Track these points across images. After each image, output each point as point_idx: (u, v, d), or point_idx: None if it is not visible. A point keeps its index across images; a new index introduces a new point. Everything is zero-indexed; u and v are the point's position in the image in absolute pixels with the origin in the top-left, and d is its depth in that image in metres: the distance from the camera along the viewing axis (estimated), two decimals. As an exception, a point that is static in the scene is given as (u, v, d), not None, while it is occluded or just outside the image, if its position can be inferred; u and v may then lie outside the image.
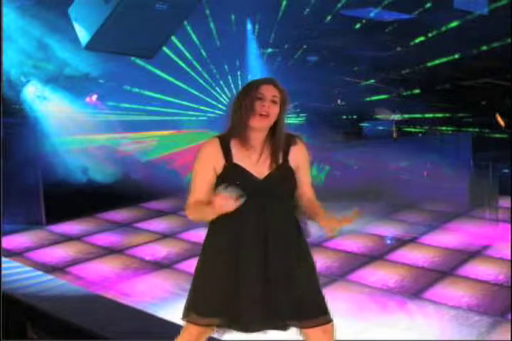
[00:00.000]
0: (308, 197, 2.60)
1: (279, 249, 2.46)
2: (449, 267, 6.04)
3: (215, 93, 10.64)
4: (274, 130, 2.52)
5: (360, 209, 2.63)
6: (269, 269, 2.44)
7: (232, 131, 2.51)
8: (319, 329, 2.48)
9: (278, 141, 2.51)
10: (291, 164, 2.53)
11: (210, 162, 2.49)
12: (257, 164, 2.49)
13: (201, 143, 2.58)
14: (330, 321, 2.51)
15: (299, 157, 2.56)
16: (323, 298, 2.54)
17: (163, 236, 7.27)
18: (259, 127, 2.48)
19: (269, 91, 2.48)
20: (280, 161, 2.51)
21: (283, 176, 2.50)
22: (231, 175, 2.46)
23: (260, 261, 2.44)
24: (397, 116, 12.45)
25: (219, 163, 2.48)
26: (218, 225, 2.49)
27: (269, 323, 2.48)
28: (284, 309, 2.45)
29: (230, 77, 10.62)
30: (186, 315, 2.54)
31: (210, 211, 2.35)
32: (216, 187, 2.45)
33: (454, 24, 9.34)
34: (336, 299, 5.22)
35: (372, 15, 9.20)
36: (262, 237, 2.45)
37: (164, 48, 6.79)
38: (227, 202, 2.27)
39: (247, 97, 2.48)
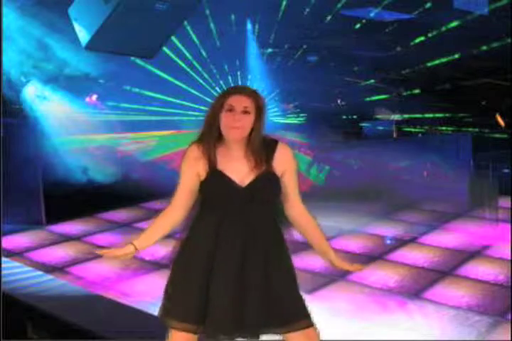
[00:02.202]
0: (300, 211, 2.56)
1: (258, 257, 2.44)
2: (449, 267, 6.04)
3: (215, 93, 10.63)
4: (249, 140, 2.47)
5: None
6: (246, 277, 2.42)
7: (209, 139, 2.48)
8: (302, 333, 2.47)
9: (255, 149, 2.46)
10: (276, 170, 2.49)
11: (194, 166, 2.48)
12: (239, 171, 2.45)
13: (186, 148, 2.55)
14: (312, 325, 2.50)
15: (283, 162, 2.51)
16: (303, 302, 2.53)
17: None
18: (233, 139, 2.45)
19: (239, 103, 2.42)
20: (263, 168, 2.46)
21: (266, 183, 2.46)
22: (213, 182, 2.45)
23: (237, 268, 2.42)
24: (397, 116, 12.45)
25: (203, 168, 2.46)
26: (197, 230, 2.49)
27: (244, 331, 2.45)
28: (262, 316, 2.43)
29: (230, 77, 10.63)
30: (162, 319, 2.60)
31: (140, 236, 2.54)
32: (200, 191, 2.47)
33: (454, 24, 9.35)
34: (336, 299, 5.24)
35: (372, 15, 9.21)
36: (241, 243, 2.43)
37: (164, 48, 6.79)
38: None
39: (217, 108, 2.45)
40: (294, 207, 2.55)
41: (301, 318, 2.49)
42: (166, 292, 2.61)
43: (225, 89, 2.55)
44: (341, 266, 2.59)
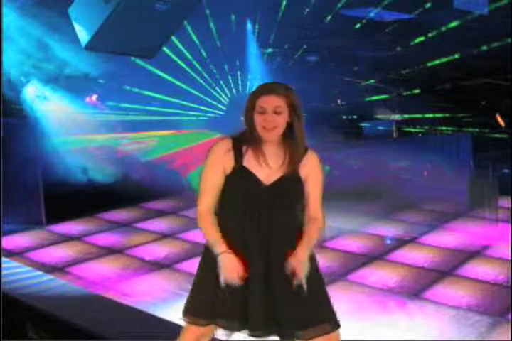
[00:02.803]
0: (309, 214, 2.56)
1: (281, 257, 2.43)
2: (449, 267, 6.03)
3: (215, 93, 10.65)
4: (289, 137, 2.47)
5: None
6: (272, 278, 2.42)
7: (245, 137, 2.49)
8: (323, 338, 2.47)
9: (296, 149, 2.47)
10: (301, 174, 2.50)
11: (220, 162, 2.47)
12: (266, 170, 2.46)
13: (215, 140, 2.54)
14: (332, 331, 2.50)
15: (308, 168, 2.52)
16: (328, 305, 2.54)
17: (163, 236, 7.26)
18: (267, 139, 2.46)
19: (269, 103, 2.42)
20: (291, 169, 2.47)
21: (290, 185, 2.47)
22: (238, 178, 2.45)
23: (264, 267, 2.42)
24: (397, 116, 12.45)
25: (229, 163, 2.46)
26: (222, 228, 2.48)
27: (271, 331, 2.47)
28: (286, 317, 2.44)
29: (230, 77, 10.64)
30: (184, 314, 2.53)
31: (216, 250, 2.40)
32: (224, 187, 2.45)
33: (454, 24, 9.35)
34: (336, 299, 5.23)
35: (372, 15, 9.21)
36: (266, 245, 2.43)
37: (164, 48, 6.79)
38: (233, 275, 2.33)
39: (249, 111, 2.46)
40: (310, 210, 2.56)
41: (323, 322, 2.49)
42: (194, 290, 2.56)
43: (256, 88, 2.52)
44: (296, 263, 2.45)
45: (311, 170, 2.53)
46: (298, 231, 2.52)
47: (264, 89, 2.47)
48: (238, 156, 2.46)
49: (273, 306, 2.43)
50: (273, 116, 2.41)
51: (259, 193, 2.43)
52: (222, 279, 2.36)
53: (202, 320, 2.49)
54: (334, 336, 2.51)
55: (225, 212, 2.49)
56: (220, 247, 2.41)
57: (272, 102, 2.42)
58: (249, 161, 2.46)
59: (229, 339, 2.59)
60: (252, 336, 2.50)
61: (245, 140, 2.48)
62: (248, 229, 2.43)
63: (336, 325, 2.52)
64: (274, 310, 2.43)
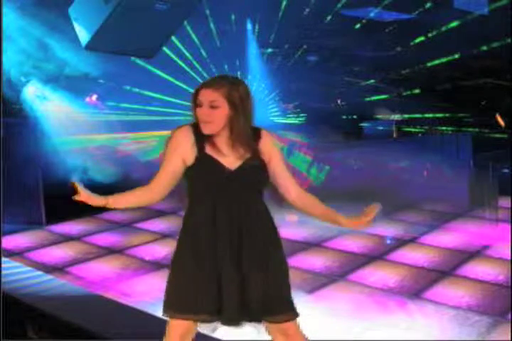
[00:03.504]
0: (296, 194, 2.55)
1: (253, 242, 2.44)
2: (449, 267, 6.03)
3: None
4: (231, 131, 2.45)
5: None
6: (244, 263, 2.43)
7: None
8: (280, 326, 2.48)
9: (239, 141, 2.45)
10: (263, 155, 2.49)
11: (180, 150, 2.45)
12: (227, 157, 2.45)
13: (175, 128, 2.52)
14: (297, 316, 2.52)
15: (268, 149, 2.51)
16: (290, 293, 2.54)
17: (163, 236, 7.26)
18: (205, 132, 2.44)
19: (205, 97, 2.40)
20: (249, 155, 2.46)
21: (254, 168, 2.46)
22: (203, 166, 2.44)
23: (234, 255, 2.42)
24: (397, 116, 12.45)
25: (190, 152, 2.45)
26: (192, 221, 2.50)
27: (244, 316, 2.47)
28: (257, 304, 2.44)
29: (229, 77, 10.62)
30: (165, 310, 2.54)
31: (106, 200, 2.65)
32: (188, 176, 2.46)
33: (454, 24, 9.35)
34: (336, 299, 5.24)
35: (372, 15, 9.21)
36: (237, 230, 2.43)
37: (164, 48, 6.79)
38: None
39: (192, 103, 2.46)
40: (290, 190, 2.55)
41: (285, 310, 2.49)
42: (169, 284, 2.57)
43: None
44: (357, 224, 2.72)
45: (271, 150, 2.52)
46: (267, 214, 2.52)
47: (204, 83, 2.46)
48: (200, 144, 2.45)
49: (244, 294, 2.43)
50: (209, 110, 2.40)
51: (226, 180, 2.43)
52: None
53: (179, 315, 2.49)
54: (295, 324, 2.52)
55: (194, 201, 2.50)
56: (111, 197, 2.66)
57: (207, 96, 2.40)
58: (211, 149, 2.45)
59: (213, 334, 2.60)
60: (225, 325, 2.51)
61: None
62: (218, 217, 2.43)
63: (296, 314, 2.53)
64: (245, 297, 2.43)
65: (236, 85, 2.43)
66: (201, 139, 2.45)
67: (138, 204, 2.59)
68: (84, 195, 2.63)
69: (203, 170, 2.44)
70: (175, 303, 2.50)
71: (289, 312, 2.50)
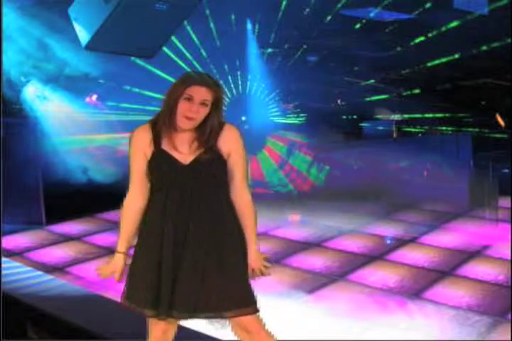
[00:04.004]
0: (238, 194, 2.53)
1: (201, 234, 2.44)
2: (449, 267, 6.04)
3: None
4: (200, 128, 2.48)
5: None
6: (188, 256, 2.43)
7: (162, 121, 2.52)
8: (247, 320, 2.48)
9: (201, 140, 2.47)
10: (221, 150, 2.49)
11: (141, 148, 2.53)
12: (183, 150, 2.47)
13: (133, 130, 2.62)
14: (257, 311, 2.50)
15: (228, 144, 2.51)
16: (250, 288, 2.53)
17: (163, 236, 7.26)
18: (182, 128, 2.47)
19: (199, 94, 2.44)
20: (206, 147, 2.47)
21: (209, 161, 2.46)
22: (157, 161, 2.48)
23: (178, 248, 2.43)
24: (397, 116, 12.45)
25: (148, 149, 2.51)
26: (149, 212, 2.52)
27: (196, 313, 2.48)
28: (213, 299, 2.44)
29: (230, 77, 10.63)
30: (126, 303, 2.56)
31: (117, 246, 2.61)
32: (148, 171, 2.51)
33: (454, 24, 9.35)
34: (336, 299, 5.24)
35: (372, 15, 9.21)
36: (185, 222, 2.44)
37: (164, 48, 6.79)
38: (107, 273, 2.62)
39: (175, 96, 2.47)
40: (235, 189, 2.53)
41: (239, 305, 2.47)
42: (127, 277, 2.61)
43: (188, 74, 2.53)
44: (256, 263, 2.54)
45: (232, 145, 2.52)
46: (223, 208, 2.51)
47: (197, 79, 2.48)
48: (156, 140, 2.51)
49: (199, 289, 2.43)
50: (198, 108, 2.44)
51: (179, 173, 2.45)
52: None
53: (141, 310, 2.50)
54: (257, 320, 2.51)
55: (152, 196, 2.53)
56: (120, 246, 2.58)
57: (202, 94, 2.44)
58: (168, 144, 2.49)
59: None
60: (178, 319, 2.52)
61: (161, 125, 2.52)
62: (168, 209, 2.45)
63: (255, 309, 2.50)
64: (199, 292, 2.43)
65: (220, 87, 2.52)
66: (158, 136, 2.51)
67: (137, 224, 2.58)
68: (107, 272, 2.67)
69: (157, 165, 2.48)
70: (127, 293, 2.57)
71: (244, 307, 2.47)
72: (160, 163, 2.48)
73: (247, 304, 2.48)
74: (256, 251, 2.54)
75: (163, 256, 2.44)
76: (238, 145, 2.53)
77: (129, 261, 2.58)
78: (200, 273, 2.43)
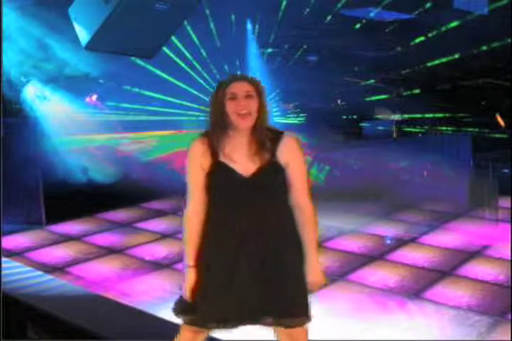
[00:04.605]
0: (295, 202, 2.50)
1: (271, 247, 2.44)
2: (449, 267, 6.04)
3: (215, 93, 10.62)
4: (254, 126, 2.48)
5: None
6: (261, 269, 2.43)
7: (215, 132, 2.49)
8: (298, 330, 2.49)
9: (259, 136, 2.47)
10: (280, 160, 2.47)
11: (198, 161, 2.49)
12: (243, 162, 2.45)
13: (189, 144, 2.56)
14: (309, 321, 2.51)
15: (287, 153, 2.49)
16: (307, 299, 2.53)
17: (163, 236, 7.26)
18: (242, 127, 2.45)
19: (240, 89, 2.45)
20: (266, 158, 2.46)
21: (269, 172, 2.46)
22: (216, 173, 2.46)
23: (250, 262, 2.43)
24: (397, 116, 12.45)
25: (206, 161, 2.48)
26: (211, 226, 2.50)
27: (254, 320, 2.49)
28: (274, 308, 2.45)
29: (229, 77, 10.62)
30: (178, 314, 2.53)
31: (186, 261, 2.49)
32: (207, 184, 2.47)
33: (454, 24, 9.35)
34: (336, 299, 5.24)
35: (372, 15, 9.21)
36: (253, 236, 2.43)
37: (164, 48, 6.78)
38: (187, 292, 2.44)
39: (220, 100, 2.46)
40: (296, 198, 2.50)
41: (303, 314, 2.49)
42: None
43: (222, 80, 2.54)
44: (316, 278, 2.55)
45: (290, 155, 2.50)
46: (288, 220, 2.51)
47: (232, 77, 2.51)
48: (214, 152, 2.48)
49: (261, 297, 2.43)
50: (245, 101, 2.44)
51: (240, 186, 2.44)
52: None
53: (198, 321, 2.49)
54: (304, 330, 2.53)
55: (214, 209, 2.50)
56: (190, 259, 2.48)
57: (242, 87, 2.45)
58: (226, 156, 2.47)
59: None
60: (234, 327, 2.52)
61: (216, 134, 2.49)
62: (237, 225, 2.43)
63: (308, 319, 2.52)
64: (260, 300, 2.43)
65: (259, 81, 2.52)
66: (215, 147, 2.48)
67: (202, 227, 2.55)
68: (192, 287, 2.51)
69: (217, 178, 2.46)
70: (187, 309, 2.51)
71: (301, 317, 2.49)
72: (220, 176, 2.46)
73: (305, 314, 2.49)
74: (316, 265, 2.52)
75: (234, 268, 2.43)
76: (297, 153, 2.52)
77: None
78: (264, 283, 2.43)
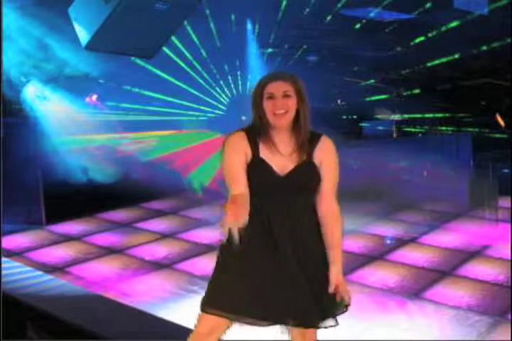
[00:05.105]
0: (324, 206, 2.49)
1: (306, 251, 2.44)
2: (449, 267, 6.04)
3: (215, 93, 10.65)
4: (296, 124, 2.48)
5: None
6: (289, 267, 2.42)
7: (255, 128, 2.49)
8: (304, 331, 2.51)
9: (301, 134, 2.48)
10: (316, 161, 2.49)
11: (241, 149, 2.44)
12: (281, 160, 2.45)
13: (227, 135, 2.52)
14: (318, 327, 2.52)
15: (322, 154, 2.51)
16: (330, 302, 2.55)
17: (163, 236, 7.26)
18: (278, 126, 2.46)
19: (278, 88, 2.44)
20: (304, 157, 2.47)
21: (305, 172, 2.46)
22: (255, 170, 2.44)
23: (282, 259, 2.42)
24: (397, 116, 12.45)
25: (247, 154, 2.46)
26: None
27: (280, 321, 2.48)
28: (300, 312, 2.44)
29: (230, 77, 10.64)
30: (204, 308, 2.48)
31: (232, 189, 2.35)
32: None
33: (454, 24, 9.35)
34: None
35: (372, 15, 9.21)
36: (287, 234, 2.42)
37: (164, 48, 6.79)
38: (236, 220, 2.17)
39: (258, 99, 2.46)
40: (322, 199, 2.50)
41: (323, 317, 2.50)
42: (215, 281, 2.52)
43: (262, 77, 2.53)
44: (341, 288, 2.57)
45: (325, 156, 2.51)
46: (317, 222, 2.51)
47: (270, 76, 2.50)
48: (254, 147, 2.46)
49: (292, 298, 2.43)
50: (282, 100, 2.43)
51: (276, 184, 2.43)
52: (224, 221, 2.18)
53: (228, 314, 2.45)
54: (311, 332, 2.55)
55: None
56: (240, 188, 2.35)
57: (280, 87, 2.44)
58: (265, 153, 2.46)
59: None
60: (265, 326, 2.49)
61: (255, 131, 2.48)
62: (273, 225, 2.42)
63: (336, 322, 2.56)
64: (291, 301, 2.43)
65: (297, 78, 2.50)
66: (255, 142, 2.47)
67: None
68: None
69: (255, 173, 2.44)
70: (217, 302, 2.46)
71: (322, 319, 2.51)
72: (259, 172, 2.43)
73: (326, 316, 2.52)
74: (340, 273, 2.54)
75: (264, 266, 2.41)
76: (332, 156, 2.53)
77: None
78: (297, 284, 2.42)
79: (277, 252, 2.42)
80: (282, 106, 2.43)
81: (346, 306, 2.63)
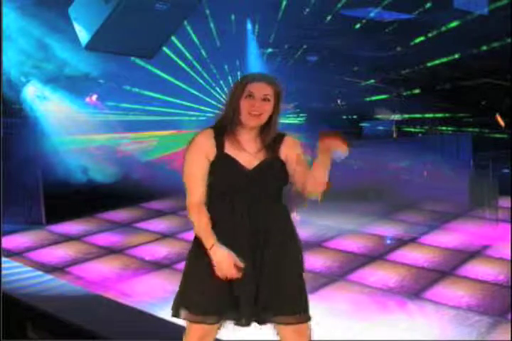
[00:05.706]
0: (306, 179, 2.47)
1: (270, 243, 2.45)
2: (449, 267, 6.04)
3: (215, 93, 10.65)
4: (265, 126, 2.50)
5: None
6: (262, 263, 2.44)
7: (223, 125, 2.50)
8: (297, 327, 2.48)
9: (269, 136, 2.50)
10: (282, 156, 2.52)
11: (203, 150, 2.47)
12: (247, 157, 2.47)
13: (195, 134, 2.54)
14: (309, 319, 2.51)
15: (288, 150, 2.53)
16: (306, 295, 2.53)
17: (163, 236, 7.27)
18: (250, 126, 2.48)
19: (259, 90, 2.45)
20: (269, 154, 2.49)
21: (272, 166, 2.48)
22: (220, 165, 2.46)
23: (252, 256, 2.43)
24: (397, 116, 12.45)
25: (211, 152, 2.47)
26: (212, 218, 2.48)
27: (255, 318, 2.48)
28: (272, 305, 2.44)
29: (230, 77, 10.63)
30: (176, 313, 2.51)
31: (207, 243, 2.42)
32: (209, 172, 2.45)
33: (454, 24, 9.35)
34: (335, 299, 5.24)
35: (372, 15, 9.21)
36: (254, 231, 2.44)
37: (164, 48, 6.79)
38: (227, 269, 2.36)
39: (236, 96, 2.47)
40: (304, 178, 2.48)
41: (299, 312, 2.48)
42: (183, 285, 2.55)
43: (245, 74, 2.55)
44: (326, 147, 2.42)
45: (290, 151, 2.53)
46: (287, 218, 2.55)
47: (254, 76, 2.51)
48: (219, 144, 2.48)
49: (258, 295, 2.43)
50: (261, 103, 2.45)
51: (243, 178, 2.44)
52: (220, 274, 2.40)
53: (197, 317, 2.47)
54: (305, 327, 2.51)
55: (212, 201, 2.49)
56: (210, 240, 2.42)
57: (262, 89, 2.45)
58: (231, 149, 2.47)
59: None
60: (236, 325, 2.50)
61: (224, 127, 2.50)
62: (236, 216, 2.44)
63: (308, 317, 2.51)
64: (259, 296, 2.43)
65: (278, 82, 2.52)
66: (221, 140, 2.48)
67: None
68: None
69: (221, 169, 2.46)
70: (187, 304, 2.49)
71: (297, 315, 2.48)
72: (224, 167, 2.46)
73: (300, 311, 2.49)
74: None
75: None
76: (296, 148, 2.55)
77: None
78: (269, 279, 2.44)
79: (236, 244, 2.42)
80: (259, 109, 2.45)
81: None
